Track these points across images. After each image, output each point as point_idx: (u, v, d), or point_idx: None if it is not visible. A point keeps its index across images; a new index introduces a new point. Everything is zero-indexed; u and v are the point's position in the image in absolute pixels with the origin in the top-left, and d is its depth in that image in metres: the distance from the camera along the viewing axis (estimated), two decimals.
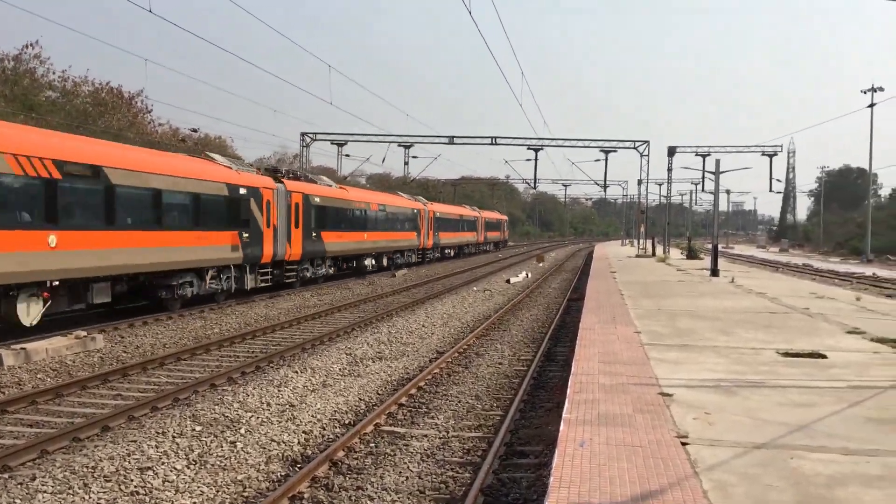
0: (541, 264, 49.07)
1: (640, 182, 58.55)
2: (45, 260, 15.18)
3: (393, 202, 40.02)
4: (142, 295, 19.21)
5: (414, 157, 53.55)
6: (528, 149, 49.52)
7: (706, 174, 54.52)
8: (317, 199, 28.48)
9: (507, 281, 33.36)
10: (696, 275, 31.72)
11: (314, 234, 28.23)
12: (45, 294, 15.49)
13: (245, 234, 22.73)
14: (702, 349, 12.05)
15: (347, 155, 55.05)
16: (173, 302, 20.11)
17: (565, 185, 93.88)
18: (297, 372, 12.80)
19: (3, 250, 14.27)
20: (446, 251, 54.62)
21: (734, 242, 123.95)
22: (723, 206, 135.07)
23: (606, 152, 49.78)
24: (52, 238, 15.34)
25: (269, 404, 10.70)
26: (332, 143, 50.32)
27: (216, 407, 10.31)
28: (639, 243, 63.56)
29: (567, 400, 8.51)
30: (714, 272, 30.92)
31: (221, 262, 21.60)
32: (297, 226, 26.57)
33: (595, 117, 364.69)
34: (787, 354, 11.61)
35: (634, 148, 49.47)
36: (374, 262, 35.27)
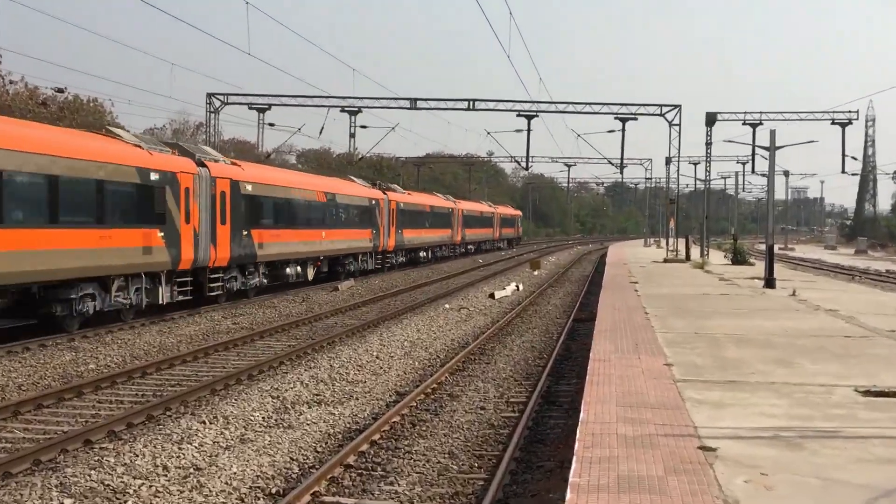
0: (536, 273, 49.35)
1: (668, 161, 59.32)
2: None
3: (345, 189, 40.79)
4: (33, 311, 19.74)
5: (362, 126, 53.53)
6: (519, 116, 50.01)
7: (757, 150, 55.47)
8: (248, 187, 29.16)
9: (491, 296, 33.52)
10: (745, 286, 32.12)
11: (245, 234, 28.88)
12: None
13: (160, 234, 23.66)
14: (754, 387, 12.19)
15: (271, 124, 54.96)
16: (71, 320, 20.77)
17: (568, 165, 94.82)
18: (204, 423, 12.71)
19: None
20: (421, 254, 55.47)
21: (795, 242, 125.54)
22: (779, 193, 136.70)
23: (623, 120, 50.40)
24: None
25: (165, 468, 10.60)
26: (250, 108, 50.29)
27: (93, 472, 10.19)
28: (668, 243, 64.30)
29: (574, 458, 8.54)
30: (769, 282, 31.35)
31: (131, 270, 22.43)
32: (223, 222, 27.27)
33: (607, 75, 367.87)
34: (868, 393, 11.78)
35: (661, 114, 50.09)
36: (309, 269, 36.00)
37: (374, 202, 44.54)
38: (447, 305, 29.60)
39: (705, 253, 55.66)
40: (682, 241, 59.53)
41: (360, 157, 68.17)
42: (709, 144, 53.73)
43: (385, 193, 47.84)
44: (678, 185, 60.41)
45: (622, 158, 55.31)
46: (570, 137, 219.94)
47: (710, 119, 52.34)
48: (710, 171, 55.49)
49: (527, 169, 57.78)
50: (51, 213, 19.55)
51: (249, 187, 29.21)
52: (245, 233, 28.78)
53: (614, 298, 26.09)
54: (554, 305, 31.93)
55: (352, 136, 52.94)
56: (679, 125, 50.26)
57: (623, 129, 51.07)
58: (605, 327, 18.67)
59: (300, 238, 33.77)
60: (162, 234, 23.69)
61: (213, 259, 26.61)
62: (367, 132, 77.67)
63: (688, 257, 53.24)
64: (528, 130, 50.75)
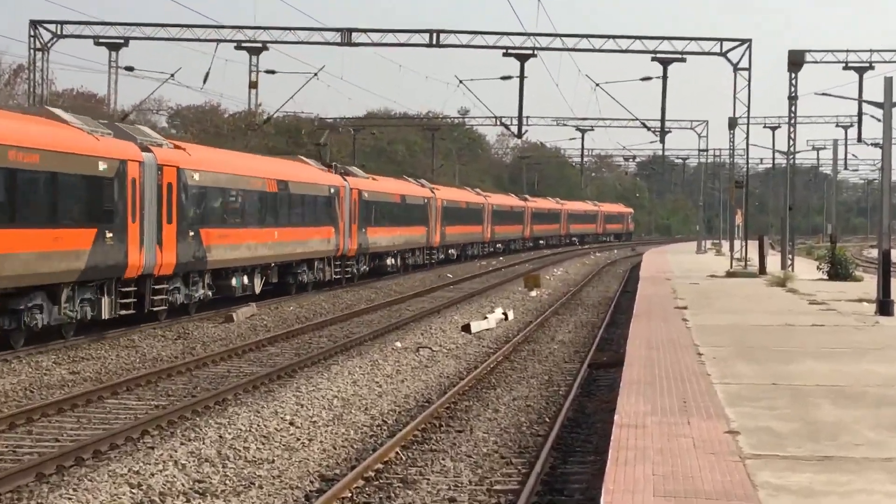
0: (534, 293, 49.47)
1: (733, 124, 59.79)
2: None
3: (300, 175, 45.52)
4: None
5: (269, 72, 53.52)
6: (507, 55, 50.03)
7: (866, 106, 55.94)
8: (196, 177, 34.32)
9: (465, 328, 33.52)
10: (849, 312, 32.37)
11: (191, 234, 33.92)
12: None
13: (109, 234, 29.25)
14: (861, 466, 12.27)
15: (129, 68, 54.62)
16: (17, 334, 26.13)
17: (582, 130, 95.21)
18: None
19: None
20: (389, 261, 58.90)
21: None
22: None
23: (665, 62, 50.74)
24: None
25: None
26: (97, 44, 50.14)
27: None
28: (733, 248, 64.63)
29: None
30: (884, 307, 31.58)
31: (76, 277, 28.04)
32: (169, 220, 32.51)
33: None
34: None
35: (721, 53, 50.47)
36: (256, 279, 40.28)
37: (333, 191, 48.49)
38: (398, 344, 29.56)
39: (789, 262, 56.01)
40: (753, 245, 59.91)
41: (266, 117, 68.06)
42: (793, 99, 54.05)
43: (345, 179, 51.22)
44: (747, 160, 60.90)
45: (663, 120, 55.74)
46: (584, 88, 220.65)
47: (796, 60, 52.69)
48: (794, 140, 55.75)
49: (519, 135, 58.00)
50: (8, 212, 25.34)
51: (197, 176, 34.14)
52: (192, 233, 33.81)
53: (651, 331, 26.11)
54: (560, 343, 31.97)
55: (253, 85, 53.02)
56: (749, 69, 50.71)
57: (664, 76, 51.47)
58: (638, 376, 18.70)
59: (251, 239, 38.91)
60: (111, 234, 29.12)
61: (158, 265, 31.74)
62: (277, 80, 77.75)
63: (762, 269, 53.54)
64: (522, 77, 50.93)
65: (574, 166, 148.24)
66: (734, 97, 52.28)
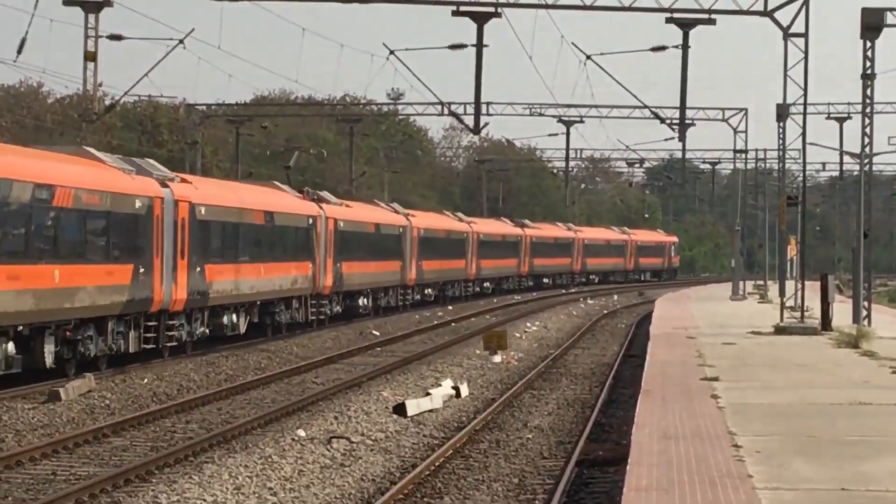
0: (498, 359, 49.38)
1: (782, 114, 59.92)
2: None
3: (282, 205, 59.22)
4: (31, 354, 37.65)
5: (114, 37, 53.25)
6: (458, 14, 50.00)
7: None
8: (202, 211, 47.49)
9: (398, 409, 33.39)
10: None
11: (198, 270, 46.72)
12: None
13: (141, 269, 42.58)
14: None
15: None
16: (70, 364, 39.34)
17: (566, 123, 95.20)
18: None
19: None
20: (360, 300, 73.32)
21: None
22: None
23: (685, 24, 50.80)
24: None
25: None
26: None
27: None
28: (783, 291, 64.72)
29: None
30: None
31: (119, 310, 41.52)
32: (182, 256, 45.54)
33: None
34: None
35: (766, 13, 50.58)
36: (241, 317, 53.24)
37: (311, 221, 62.16)
38: (301, 433, 29.38)
39: (864, 313, 56.24)
40: (813, 288, 60.11)
41: (108, 104, 67.80)
42: (869, 78, 54.28)
43: (321, 207, 64.73)
44: (804, 165, 60.96)
45: (683, 108, 55.88)
46: (570, 63, 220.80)
47: (873, 23, 52.77)
48: (871, 138, 55.89)
49: (475, 130, 58.05)
50: (80, 249, 39.68)
51: (203, 210, 46.92)
52: (199, 269, 46.70)
53: (667, 414, 26.13)
54: (536, 430, 31.99)
55: (90, 57, 52.81)
56: (805, 35, 50.88)
57: (685, 45, 51.64)
58: (648, 479, 18.63)
59: (245, 275, 52.23)
60: (143, 269, 42.45)
61: (173, 301, 44.57)
62: (126, 50, 77.56)
63: (826, 323, 53.71)
64: (480, 47, 50.94)
65: (556, 174, 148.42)
66: (784, 75, 52.56)
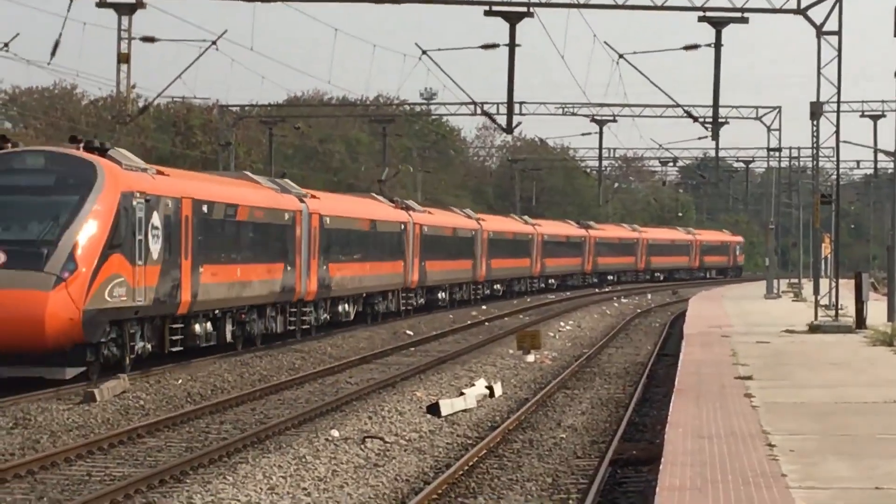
0: (532, 358, 49.28)
1: (816, 112, 59.74)
2: None
3: (381, 213, 74.98)
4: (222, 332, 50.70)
5: (147, 39, 53.20)
6: (491, 14, 49.98)
7: None
8: (327, 221, 61.34)
9: (432, 409, 33.32)
10: None
11: (325, 267, 61.10)
12: None
13: (288, 267, 55.77)
14: None
15: None
16: (238, 341, 52.71)
17: (599, 122, 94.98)
18: None
19: None
20: (440, 294, 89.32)
21: None
22: None
23: (718, 23, 50.70)
24: None
25: None
26: None
27: None
28: (818, 290, 64.51)
29: None
30: None
31: (274, 298, 54.96)
32: (314, 256, 59.38)
33: None
34: None
35: (799, 10, 50.51)
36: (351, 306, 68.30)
37: (402, 227, 76.80)
38: (335, 433, 29.35)
39: None
40: (848, 286, 59.84)
41: (142, 105, 67.86)
42: None
43: (409, 214, 79.14)
44: (837, 163, 60.84)
45: (716, 106, 55.71)
46: (602, 63, 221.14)
47: None
48: None
49: (508, 129, 57.92)
50: (253, 252, 52.29)
51: (328, 220, 61.21)
52: (325, 267, 60.76)
53: (701, 413, 26.13)
54: (570, 430, 31.93)
55: (123, 59, 52.78)
56: (839, 33, 50.76)
57: (717, 44, 51.51)
58: (682, 478, 18.64)
59: (356, 272, 66.56)
60: (290, 267, 55.78)
61: (309, 292, 58.69)
62: (159, 52, 77.73)
63: (861, 321, 53.52)
64: (512, 47, 50.91)
65: (589, 173, 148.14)
66: (818, 73, 52.44)
